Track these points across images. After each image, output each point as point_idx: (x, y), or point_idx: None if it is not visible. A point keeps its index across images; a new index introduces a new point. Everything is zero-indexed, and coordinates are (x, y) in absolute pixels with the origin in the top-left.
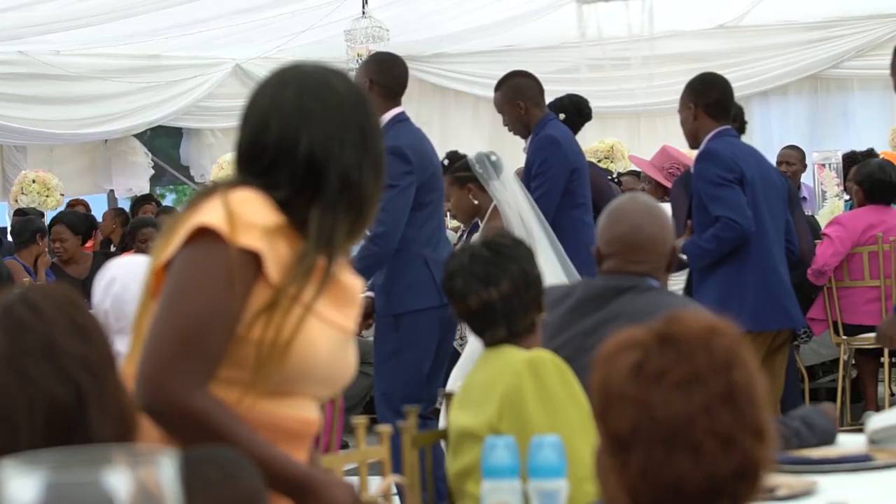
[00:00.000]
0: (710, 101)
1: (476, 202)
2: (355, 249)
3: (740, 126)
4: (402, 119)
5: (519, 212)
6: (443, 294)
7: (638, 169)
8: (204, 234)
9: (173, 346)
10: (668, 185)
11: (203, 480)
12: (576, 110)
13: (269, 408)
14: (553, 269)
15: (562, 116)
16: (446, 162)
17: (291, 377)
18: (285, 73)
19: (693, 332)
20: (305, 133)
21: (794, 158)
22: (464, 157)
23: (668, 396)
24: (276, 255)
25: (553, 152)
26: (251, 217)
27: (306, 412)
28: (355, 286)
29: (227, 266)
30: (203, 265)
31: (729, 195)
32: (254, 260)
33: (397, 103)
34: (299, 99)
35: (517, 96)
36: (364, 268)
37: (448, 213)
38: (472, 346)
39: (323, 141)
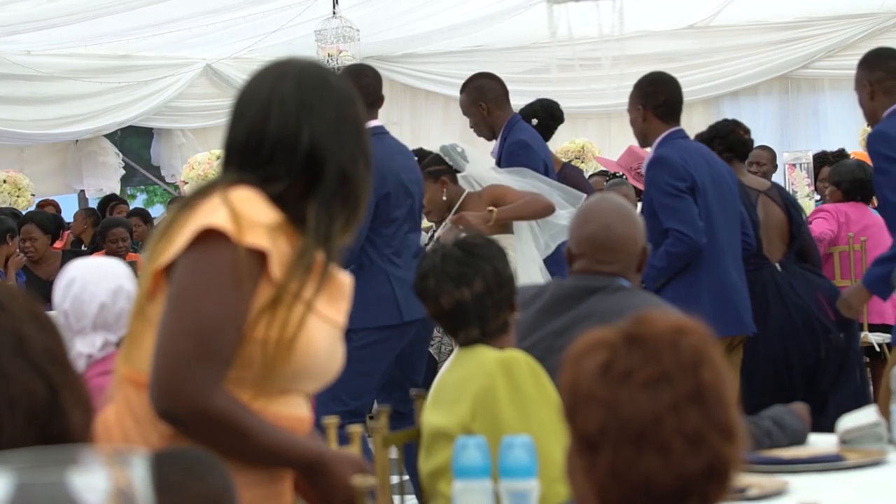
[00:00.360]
0: (658, 103)
1: (446, 198)
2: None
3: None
4: (376, 133)
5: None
6: (402, 313)
7: (606, 169)
8: (210, 236)
9: (188, 349)
10: (637, 184)
11: (166, 480)
12: (548, 114)
13: (268, 408)
14: (532, 250)
15: (534, 122)
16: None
17: (292, 375)
18: (283, 66)
19: (660, 331)
20: (307, 126)
21: (764, 159)
22: (430, 153)
23: (635, 396)
24: (278, 252)
25: (526, 156)
26: (255, 216)
27: (299, 409)
28: (345, 281)
29: (235, 266)
30: (212, 267)
31: (680, 206)
32: (259, 258)
33: (372, 116)
34: (300, 92)
35: (480, 98)
36: None
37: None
38: None
39: (323, 135)
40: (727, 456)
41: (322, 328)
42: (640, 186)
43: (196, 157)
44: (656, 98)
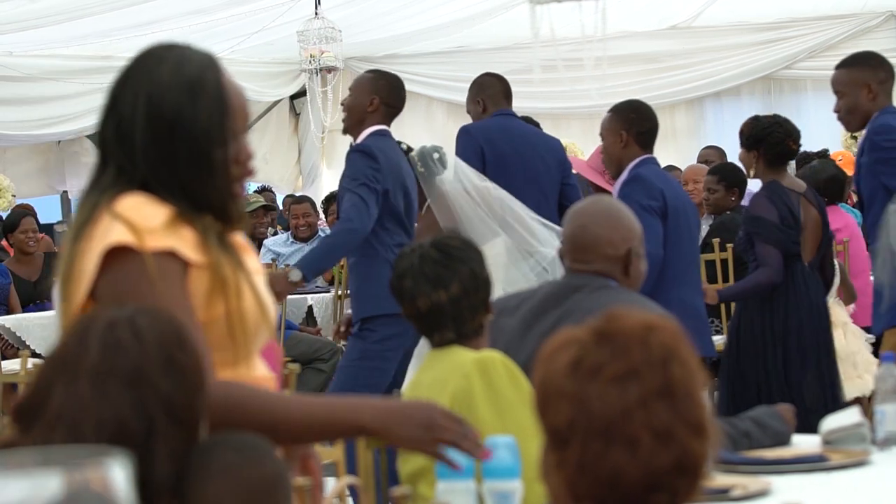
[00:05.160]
0: (642, 130)
1: None
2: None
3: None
4: (383, 134)
5: (477, 196)
6: None
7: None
8: (117, 253)
9: None
10: (608, 188)
11: (221, 463)
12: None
13: (242, 376)
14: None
15: None
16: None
17: (254, 335)
18: (155, 54)
19: (630, 328)
20: (195, 108)
21: (714, 157)
22: (409, 150)
23: (604, 391)
24: (186, 241)
25: (461, 142)
26: (148, 220)
27: (263, 369)
28: (239, 234)
29: (149, 273)
30: (134, 277)
31: (647, 225)
32: (173, 257)
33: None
34: (182, 76)
35: (478, 94)
36: (331, 247)
37: None
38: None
39: (207, 113)
40: (696, 452)
41: (260, 283)
42: (610, 189)
43: None
44: (640, 125)
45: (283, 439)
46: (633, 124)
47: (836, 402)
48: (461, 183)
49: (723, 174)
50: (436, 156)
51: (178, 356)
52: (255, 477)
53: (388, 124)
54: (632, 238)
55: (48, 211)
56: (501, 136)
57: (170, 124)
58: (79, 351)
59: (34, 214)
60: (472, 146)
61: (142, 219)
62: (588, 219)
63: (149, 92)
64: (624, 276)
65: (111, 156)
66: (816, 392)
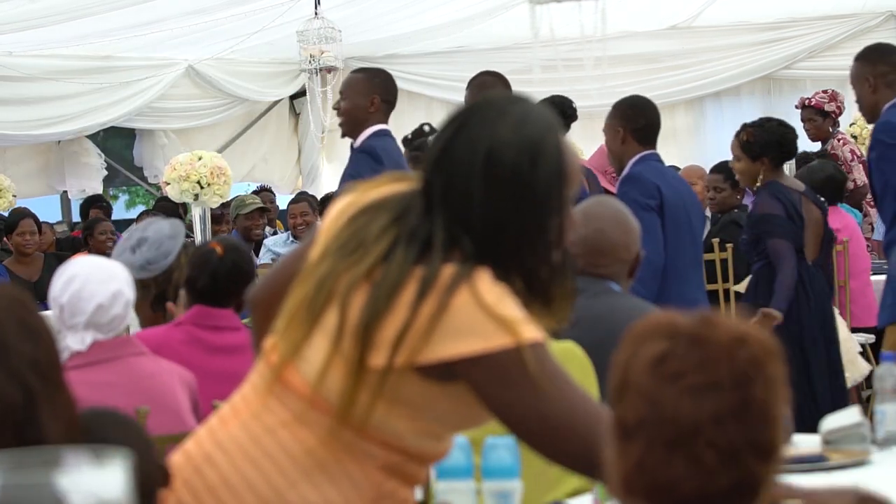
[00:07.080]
0: (638, 126)
1: None
2: None
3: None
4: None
5: None
6: None
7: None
8: (496, 355)
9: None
10: (609, 188)
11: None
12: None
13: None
14: None
15: None
16: (409, 136)
17: None
18: (496, 106)
19: (722, 338)
20: (533, 171)
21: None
22: (429, 133)
23: (680, 398)
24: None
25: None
26: (513, 311)
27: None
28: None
29: (531, 368)
30: (519, 374)
31: (645, 222)
32: (543, 345)
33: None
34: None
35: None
36: None
37: None
38: None
39: (546, 179)
40: (759, 475)
41: None
42: (612, 189)
43: (178, 158)
44: (636, 121)
45: None
46: (629, 121)
47: (841, 392)
48: None
49: (728, 173)
50: None
51: (29, 319)
52: (149, 470)
53: (387, 121)
54: (638, 240)
55: (48, 211)
56: None
57: (506, 184)
58: None
59: (33, 216)
60: None
61: (509, 311)
62: (603, 223)
63: (488, 146)
64: (629, 278)
65: (438, 209)
66: (824, 384)
